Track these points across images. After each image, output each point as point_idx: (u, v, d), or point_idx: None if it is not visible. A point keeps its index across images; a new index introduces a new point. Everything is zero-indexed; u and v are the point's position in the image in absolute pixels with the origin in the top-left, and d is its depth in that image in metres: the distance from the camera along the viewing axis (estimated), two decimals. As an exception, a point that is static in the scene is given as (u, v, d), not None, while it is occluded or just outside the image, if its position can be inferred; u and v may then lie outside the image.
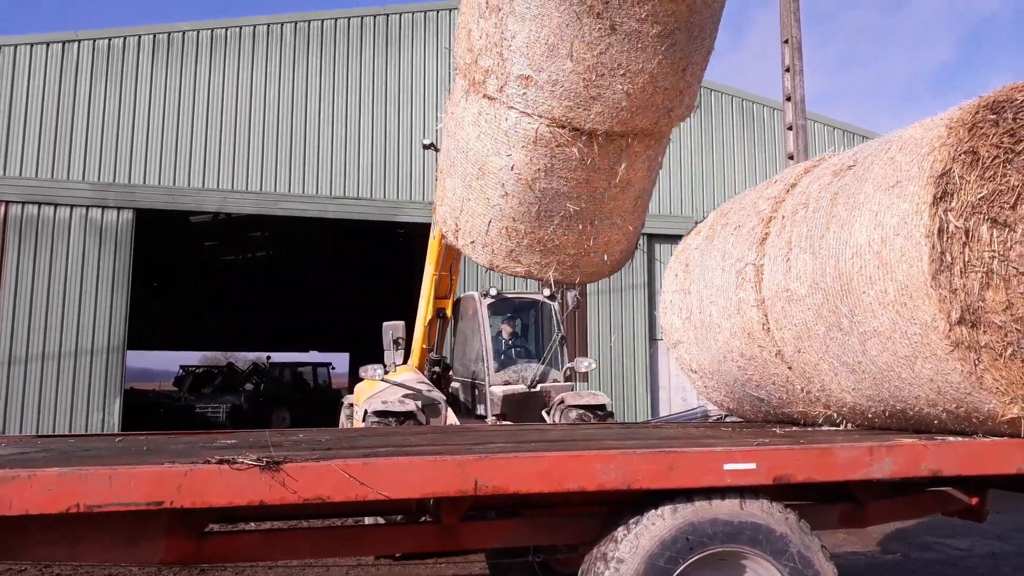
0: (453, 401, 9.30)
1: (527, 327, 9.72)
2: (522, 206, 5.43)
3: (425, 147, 10.12)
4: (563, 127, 4.94)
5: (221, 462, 2.99)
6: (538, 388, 8.80)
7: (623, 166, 5.21)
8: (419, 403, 8.10)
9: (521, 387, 8.73)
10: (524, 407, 8.58)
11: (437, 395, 8.60)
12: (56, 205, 13.99)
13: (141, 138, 14.67)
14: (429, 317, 9.53)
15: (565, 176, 5.21)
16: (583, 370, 9.45)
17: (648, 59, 4.73)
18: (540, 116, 4.93)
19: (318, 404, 24.48)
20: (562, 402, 8.47)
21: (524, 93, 4.89)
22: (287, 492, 3.03)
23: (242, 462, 3.00)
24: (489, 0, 4.79)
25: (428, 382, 8.99)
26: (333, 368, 29.83)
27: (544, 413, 8.58)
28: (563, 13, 4.48)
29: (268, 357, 29.05)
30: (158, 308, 27.02)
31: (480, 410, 8.98)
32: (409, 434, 4.94)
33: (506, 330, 9.38)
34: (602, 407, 8.37)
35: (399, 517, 4.41)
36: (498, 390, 8.68)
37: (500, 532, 3.83)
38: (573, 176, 5.21)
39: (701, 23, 4.81)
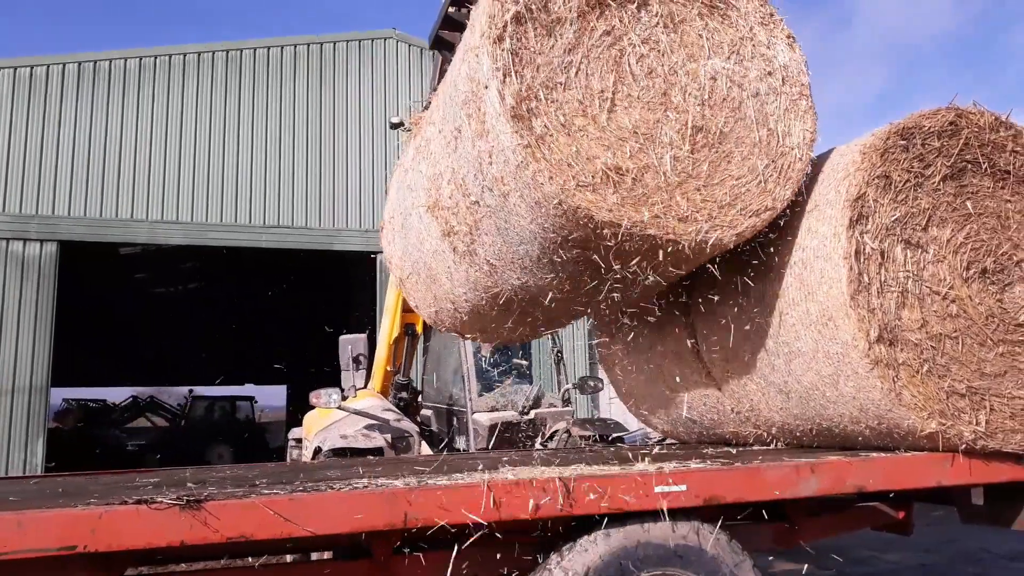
0: (425, 431, 7.99)
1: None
2: (471, 318, 5.13)
3: (394, 126, 9.12)
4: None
5: (139, 502, 2.90)
6: (532, 415, 7.55)
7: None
8: (387, 436, 6.80)
9: (511, 413, 7.46)
10: (515, 437, 7.38)
11: (408, 426, 7.27)
12: (-27, 238, 13.53)
13: (65, 168, 14.29)
14: (396, 334, 8.21)
15: (521, 313, 4.81)
16: (590, 392, 8.17)
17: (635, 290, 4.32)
18: (508, 287, 4.41)
19: (255, 440, 24.12)
20: (567, 431, 7.34)
21: (490, 272, 4.38)
22: (209, 531, 2.94)
23: (161, 501, 2.90)
24: (465, 183, 4.09)
25: (396, 410, 7.66)
26: (256, 402, 29.22)
27: (538, 444, 7.44)
28: (545, 251, 3.89)
29: (191, 391, 28.33)
30: (87, 343, 26.21)
31: (460, 443, 7.72)
32: (342, 467, 4.85)
33: (487, 345, 7.78)
34: (618, 438, 7.23)
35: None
36: (483, 418, 7.39)
37: (433, 565, 3.77)
38: (530, 314, 4.81)
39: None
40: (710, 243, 3.80)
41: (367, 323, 13.99)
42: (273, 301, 25.61)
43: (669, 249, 3.77)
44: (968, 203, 4.03)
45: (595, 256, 3.82)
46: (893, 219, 3.89)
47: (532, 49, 3.76)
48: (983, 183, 4.08)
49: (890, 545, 9.22)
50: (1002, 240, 4.09)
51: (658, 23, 4.08)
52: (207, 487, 3.42)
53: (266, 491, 3.22)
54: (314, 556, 5.16)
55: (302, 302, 25.25)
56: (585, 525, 3.54)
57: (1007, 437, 3.92)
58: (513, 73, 3.67)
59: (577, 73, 3.83)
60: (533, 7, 3.79)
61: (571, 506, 3.42)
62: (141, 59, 15.24)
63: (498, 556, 3.80)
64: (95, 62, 14.93)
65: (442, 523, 3.25)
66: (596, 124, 3.80)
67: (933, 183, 3.98)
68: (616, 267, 3.86)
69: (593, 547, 3.51)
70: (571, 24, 3.87)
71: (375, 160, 16.33)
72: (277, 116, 15.84)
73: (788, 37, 4.27)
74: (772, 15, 4.29)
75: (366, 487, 3.31)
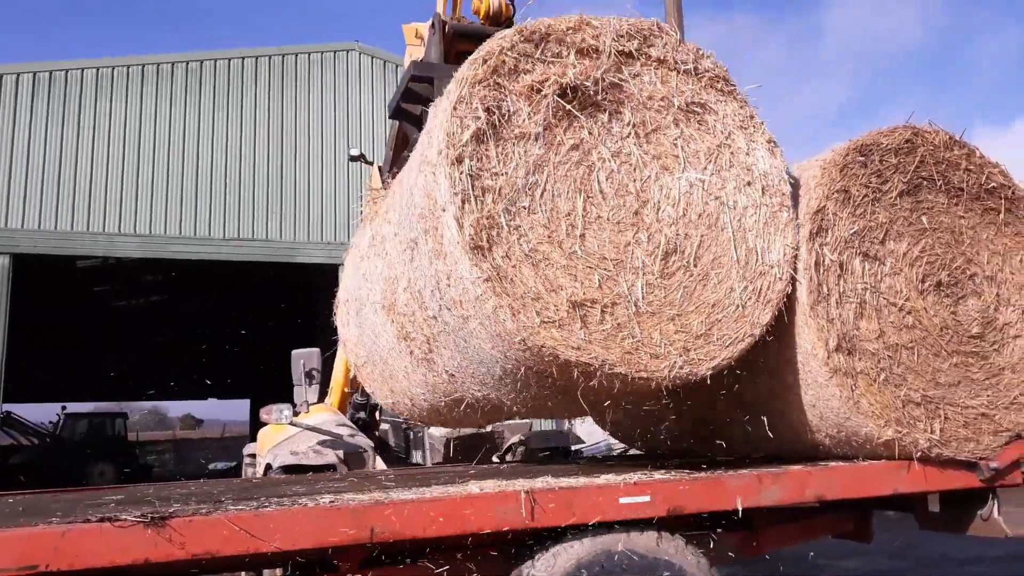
0: (382, 447, 7.81)
1: None
2: (430, 414, 5.00)
3: (352, 159, 8.83)
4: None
5: (102, 520, 2.86)
6: (489, 428, 7.43)
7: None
8: (340, 452, 6.64)
9: (468, 428, 7.29)
10: (472, 452, 7.31)
11: (362, 441, 7.09)
12: (-76, 251, 13.22)
13: (19, 180, 14.03)
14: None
15: (483, 415, 4.62)
16: None
17: None
18: (469, 395, 4.19)
19: (127, 458, 24.11)
20: (523, 444, 7.28)
21: (450, 380, 4.18)
22: (174, 548, 2.91)
23: (125, 519, 2.87)
24: (422, 296, 3.84)
25: (350, 424, 7.49)
26: (127, 419, 28.93)
27: (495, 458, 7.37)
28: (508, 373, 3.66)
29: (63, 407, 27.79)
30: (44, 357, 25.68)
31: (416, 457, 7.73)
32: (308, 483, 4.83)
33: None
34: (570, 450, 7.20)
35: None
36: (439, 432, 7.41)
37: (400, 579, 3.76)
38: (493, 416, 4.65)
39: None
40: (684, 378, 3.62)
41: (329, 336, 13.85)
42: (235, 314, 25.33)
43: (640, 386, 3.59)
44: (924, 218, 4.16)
45: (561, 384, 3.60)
46: (852, 232, 4.00)
47: (494, 170, 3.50)
48: (938, 199, 4.21)
49: (848, 552, 9.32)
50: (956, 254, 4.23)
51: (630, 134, 3.83)
52: (172, 504, 3.38)
53: (232, 507, 3.20)
54: (266, 573, 5.07)
55: (264, 315, 25.00)
56: (551, 537, 3.56)
57: (960, 445, 4.04)
58: (472, 199, 3.41)
59: (543, 195, 3.58)
60: (496, 123, 3.55)
61: (537, 518, 3.43)
62: (99, 70, 15.04)
63: (467, 569, 3.80)
64: (51, 72, 14.70)
65: (409, 537, 3.25)
66: (562, 251, 3.56)
67: (890, 198, 4.10)
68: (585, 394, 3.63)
69: (558, 558, 3.52)
70: (536, 140, 3.62)
71: (337, 172, 16.27)
72: (238, 128, 15.72)
73: (769, 142, 4.04)
74: (752, 117, 4.06)
75: (332, 502, 3.30)
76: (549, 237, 3.56)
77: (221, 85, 15.77)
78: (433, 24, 5.35)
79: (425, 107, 5.32)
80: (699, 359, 3.65)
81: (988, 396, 4.13)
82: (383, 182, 6.14)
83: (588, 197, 3.68)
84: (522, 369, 3.56)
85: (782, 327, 4.03)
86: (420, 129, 5.40)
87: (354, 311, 5.17)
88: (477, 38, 5.44)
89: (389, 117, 6.01)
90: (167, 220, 14.91)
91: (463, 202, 3.40)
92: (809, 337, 3.90)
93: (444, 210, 3.44)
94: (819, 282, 3.92)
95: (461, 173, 3.42)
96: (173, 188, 15.03)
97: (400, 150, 5.99)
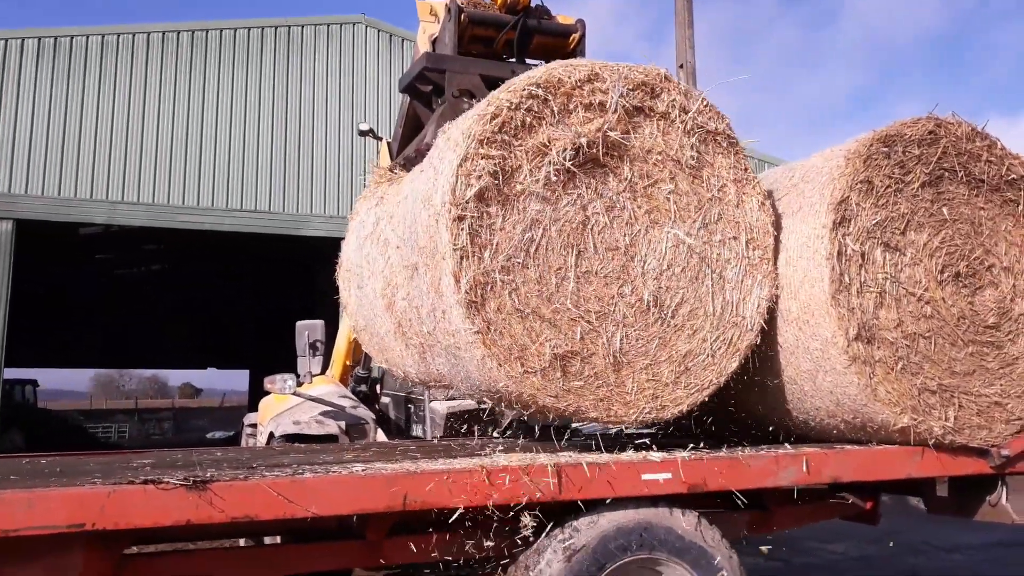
0: (382, 420, 7.96)
1: None
2: (419, 384, 5.36)
3: (362, 134, 8.80)
4: None
5: (146, 482, 2.93)
6: (489, 404, 7.53)
7: None
8: (342, 423, 6.75)
9: (469, 402, 7.26)
10: (472, 426, 7.32)
11: (364, 413, 7.22)
12: (-75, 214, 13.17)
13: (23, 145, 13.94)
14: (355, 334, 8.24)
15: None
16: None
17: None
18: (457, 388, 4.46)
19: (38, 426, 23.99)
20: (523, 421, 7.17)
21: (440, 377, 4.48)
22: (214, 511, 2.99)
23: (168, 481, 2.94)
24: (420, 312, 4.05)
25: (352, 396, 7.63)
26: (38, 386, 28.44)
27: (495, 433, 7.35)
28: (491, 392, 3.94)
29: None
30: (45, 323, 25.64)
31: (417, 430, 7.73)
32: (335, 451, 4.90)
33: None
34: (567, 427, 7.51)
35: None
36: (440, 406, 7.40)
37: (426, 547, 3.84)
38: None
39: None
40: (649, 422, 3.94)
41: (331, 309, 13.87)
42: (237, 285, 25.32)
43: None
44: (944, 209, 4.23)
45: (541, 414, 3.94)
46: (874, 223, 4.07)
47: (494, 226, 3.64)
48: (959, 190, 4.28)
49: (834, 536, 9.46)
50: (975, 246, 4.30)
51: (626, 188, 3.93)
52: (204, 469, 3.46)
53: (268, 473, 3.27)
54: (267, 540, 5.13)
55: (265, 286, 24.99)
56: (573, 509, 3.64)
57: (973, 432, 4.14)
58: (470, 255, 3.56)
59: (537, 250, 3.72)
60: (499, 181, 3.64)
61: (564, 491, 3.52)
62: (104, 36, 14.93)
63: (489, 539, 3.89)
64: (55, 38, 14.59)
65: (441, 506, 3.33)
66: (550, 304, 3.73)
67: (912, 189, 4.17)
68: None
69: (580, 531, 3.61)
70: (536, 197, 3.74)
71: (342, 145, 16.23)
72: (243, 98, 15.62)
73: (760, 195, 4.17)
74: (747, 170, 4.19)
75: (365, 471, 3.38)
76: (539, 291, 3.73)
77: (226, 55, 15.67)
78: (449, 8, 5.33)
79: (435, 95, 5.35)
80: (665, 405, 3.92)
81: (1001, 385, 4.23)
82: (392, 159, 6.14)
83: (580, 252, 3.81)
84: (506, 400, 3.90)
85: (803, 315, 4.11)
86: (431, 109, 5.47)
87: (355, 284, 5.28)
88: (493, 25, 5.45)
89: (400, 91, 6.02)
90: (171, 189, 14.85)
91: (461, 258, 3.55)
92: (829, 325, 3.98)
93: (444, 259, 3.59)
94: (841, 271, 3.98)
95: (462, 231, 3.55)
96: (177, 157, 14.96)
97: (410, 127, 6.00)
